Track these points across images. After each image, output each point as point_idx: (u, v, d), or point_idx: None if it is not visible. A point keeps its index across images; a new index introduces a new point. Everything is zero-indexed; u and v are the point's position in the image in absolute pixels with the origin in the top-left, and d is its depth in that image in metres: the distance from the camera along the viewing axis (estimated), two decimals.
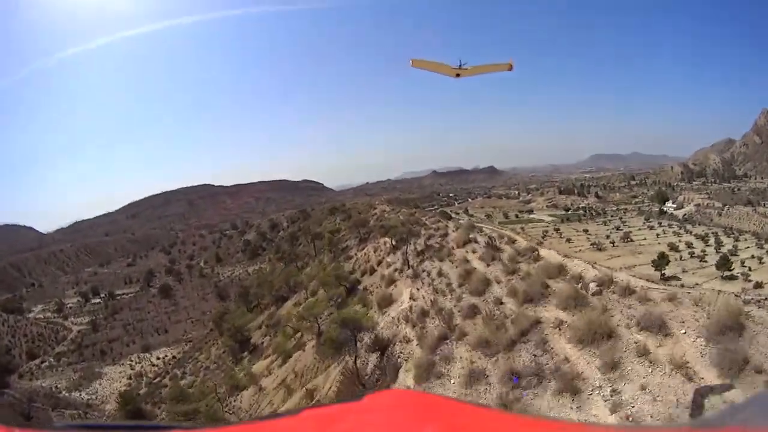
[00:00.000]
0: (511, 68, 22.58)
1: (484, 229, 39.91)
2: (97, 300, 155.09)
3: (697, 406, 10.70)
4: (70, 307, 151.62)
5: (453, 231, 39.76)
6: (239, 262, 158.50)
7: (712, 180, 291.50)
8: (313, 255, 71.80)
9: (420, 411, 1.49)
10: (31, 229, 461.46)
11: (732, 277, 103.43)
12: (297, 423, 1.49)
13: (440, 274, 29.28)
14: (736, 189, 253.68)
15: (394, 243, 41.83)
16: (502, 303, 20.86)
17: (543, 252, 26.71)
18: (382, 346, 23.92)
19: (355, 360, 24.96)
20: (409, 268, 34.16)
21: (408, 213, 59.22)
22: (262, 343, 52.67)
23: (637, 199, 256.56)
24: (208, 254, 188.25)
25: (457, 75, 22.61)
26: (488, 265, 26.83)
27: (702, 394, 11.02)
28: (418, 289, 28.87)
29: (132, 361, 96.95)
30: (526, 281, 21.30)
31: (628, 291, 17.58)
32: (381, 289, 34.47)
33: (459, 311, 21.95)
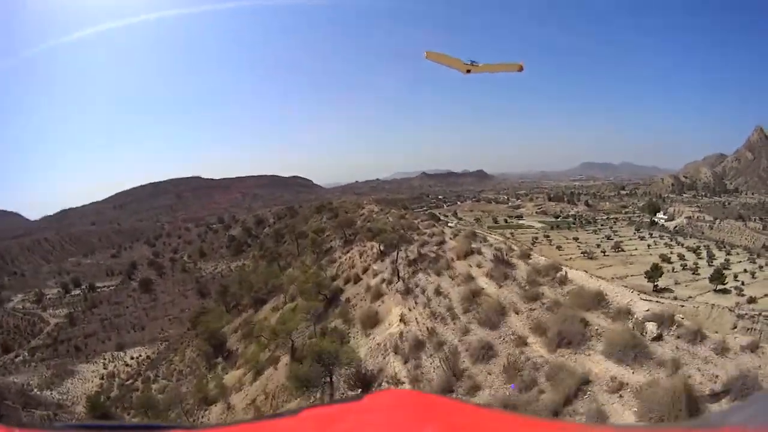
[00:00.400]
0: (521, 69, 21.15)
1: (489, 238, 34.62)
2: (77, 292, 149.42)
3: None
4: (50, 298, 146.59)
5: (451, 238, 34.51)
6: (223, 258, 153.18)
7: (703, 193, 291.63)
8: (296, 254, 67.18)
9: (420, 411, 1.48)
10: (18, 215, 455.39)
11: (725, 291, 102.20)
12: (297, 423, 1.48)
13: (438, 292, 23.70)
14: (726, 203, 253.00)
15: (382, 248, 36.37)
16: (526, 344, 15.77)
17: (571, 273, 21.89)
18: (364, 382, 18.76)
19: (332, 396, 20.02)
20: (399, 280, 28.73)
21: (398, 215, 54.11)
22: (237, 349, 47.98)
23: (627, 209, 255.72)
24: (192, 248, 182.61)
25: (468, 71, 20.90)
26: (500, 286, 21.67)
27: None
28: (410, 309, 23.73)
29: (105, 359, 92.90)
30: (555, 314, 16.23)
31: (699, 336, 12.67)
32: (366, 303, 29.16)
33: (466, 349, 16.87)
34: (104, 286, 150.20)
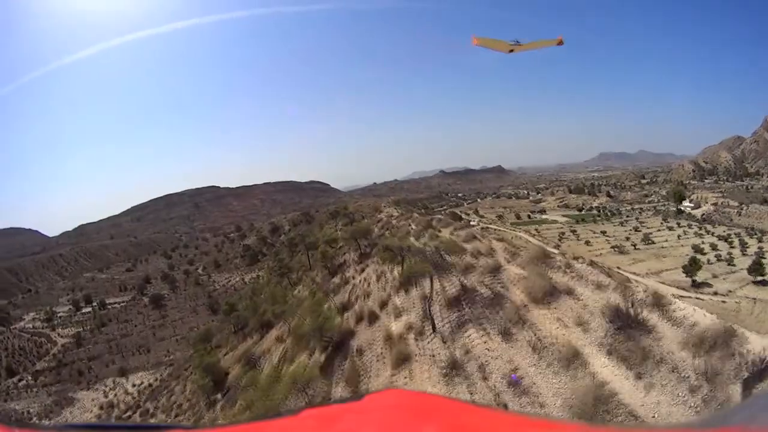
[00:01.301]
0: (561, 43, 25.31)
1: (576, 266, 19.60)
2: (89, 309, 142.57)
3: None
4: (61, 317, 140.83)
5: (508, 260, 22.65)
6: (237, 269, 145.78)
7: (725, 178, 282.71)
8: (308, 267, 58.95)
9: (420, 411, 1.47)
10: (36, 232, 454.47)
11: (765, 282, 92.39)
12: (297, 423, 1.47)
13: (512, 380, 13.17)
14: (749, 187, 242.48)
15: (403, 274, 25.02)
16: None
17: (752, 338, 11.60)
18: None
19: None
20: (434, 333, 18.16)
21: (423, 222, 42.59)
22: (237, 385, 39.97)
23: (650, 198, 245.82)
24: (207, 260, 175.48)
25: (511, 50, 24.92)
26: (639, 377, 11.20)
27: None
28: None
29: (107, 386, 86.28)
30: None
31: None
32: (384, 369, 18.42)
33: None
34: (115, 303, 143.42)
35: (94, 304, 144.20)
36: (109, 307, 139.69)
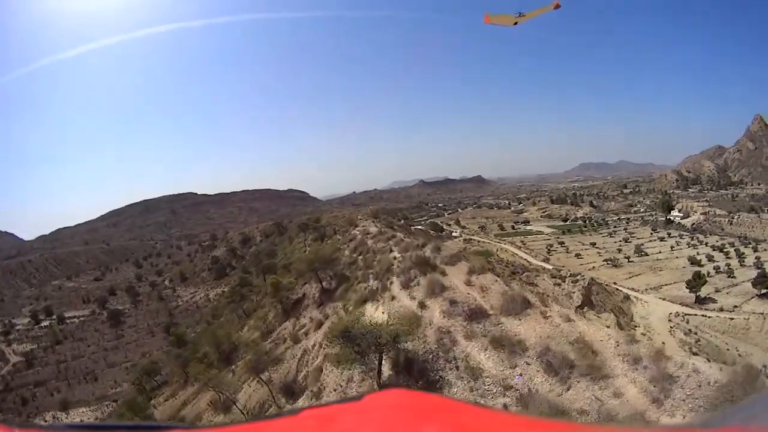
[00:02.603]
0: (558, 6, 26.05)
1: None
2: (48, 322, 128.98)
3: None
4: (19, 329, 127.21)
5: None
6: (204, 282, 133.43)
7: (708, 187, 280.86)
8: (263, 298, 47.35)
9: (420, 411, 1.47)
10: (11, 235, 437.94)
11: None
12: (297, 423, 1.47)
13: None
14: (734, 196, 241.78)
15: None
16: None
17: None
18: None
19: None
20: None
21: (416, 258, 25.91)
22: None
23: (635, 208, 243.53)
24: (176, 271, 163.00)
25: (515, 23, 26.22)
26: None
27: None
28: None
29: (46, 420, 72.52)
30: None
31: None
32: None
33: None
34: (75, 317, 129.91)
35: (54, 317, 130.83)
36: (68, 321, 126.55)
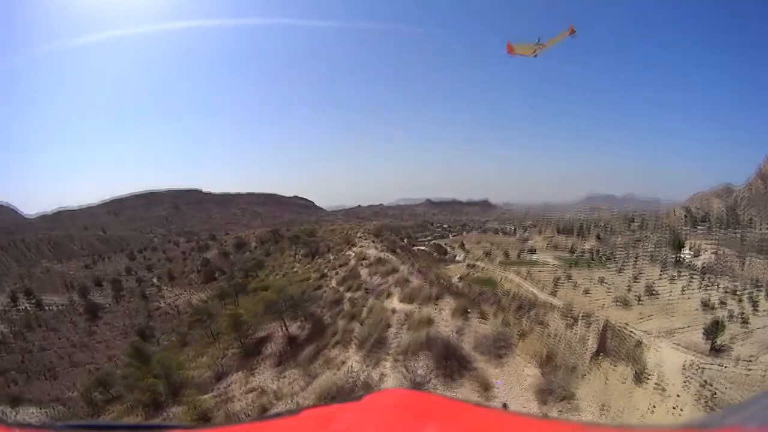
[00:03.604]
0: (573, 32, 25.81)
1: None
2: (26, 305, 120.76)
3: None
4: None
5: None
6: (191, 285, 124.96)
7: (717, 226, 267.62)
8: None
9: (420, 411, 1.44)
10: (12, 210, 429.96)
11: None
12: (297, 423, 1.45)
13: None
14: (744, 236, 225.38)
15: None
16: None
17: None
18: None
19: None
20: None
21: (427, 316, 17.76)
22: None
23: (643, 244, 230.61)
24: (166, 268, 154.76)
25: (534, 53, 26.06)
26: None
27: None
28: None
29: None
30: None
31: None
32: None
33: None
34: (53, 304, 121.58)
35: (33, 301, 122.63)
36: (46, 308, 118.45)
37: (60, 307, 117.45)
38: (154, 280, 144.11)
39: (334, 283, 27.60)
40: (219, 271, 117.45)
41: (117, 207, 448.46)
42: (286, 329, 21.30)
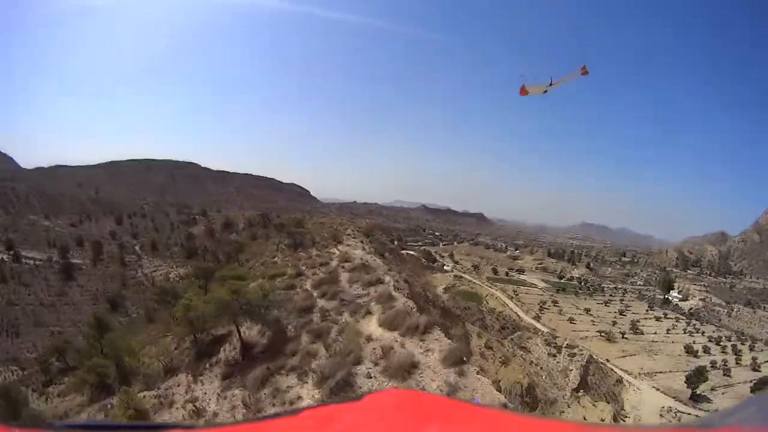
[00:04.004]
0: (586, 72, 25.02)
1: None
2: (2, 257, 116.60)
3: None
4: None
5: None
6: (172, 258, 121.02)
7: (708, 271, 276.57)
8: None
9: (420, 411, 1.45)
10: (9, 159, 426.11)
11: None
12: (297, 423, 1.46)
13: None
14: (733, 286, 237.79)
15: None
16: None
17: None
18: None
19: None
20: None
21: (406, 359, 13.65)
22: None
23: (632, 280, 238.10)
24: (150, 238, 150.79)
25: (545, 92, 26.26)
26: None
27: None
28: None
29: None
30: None
31: None
32: None
33: None
34: (31, 259, 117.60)
35: (12, 253, 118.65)
36: (24, 261, 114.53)
37: (37, 263, 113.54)
38: (137, 248, 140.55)
39: (309, 284, 24.13)
40: (202, 248, 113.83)
41: (114, 170, 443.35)
42: (240, 337, 17.92)
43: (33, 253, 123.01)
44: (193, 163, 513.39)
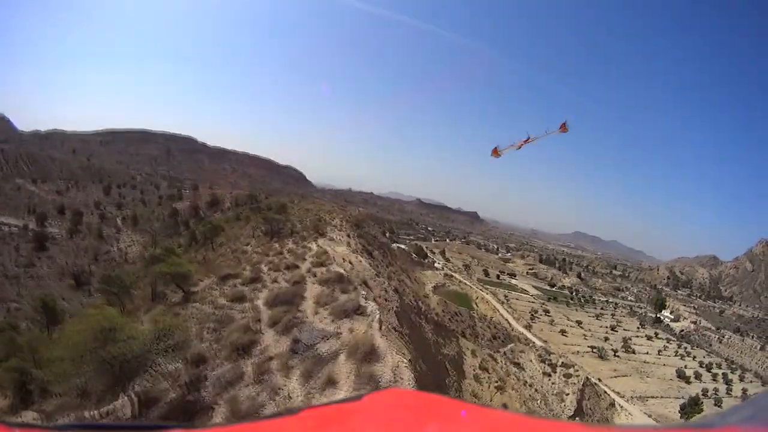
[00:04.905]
0: (565, 130, 25.87)
1: None
2: None
3: None
4: None
5: None
6: (150, 233, 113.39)
7: (698, 294, 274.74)
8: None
9: (420, 411, 1.44)
10: (7, 121, 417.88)
11: None
12: (297, 423, 1.45)
13: None
14: (722, 311, 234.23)
15: None
16: None
17: None
18: None
19: None
20: None
21: None
22: None
23: (622, 294, 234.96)
24: (132, 210, 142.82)
25: (519, 147, 26.93)
26: None
27: None
28: None
29: None
30: None
31: None
32: None
33: None
34: (5, 225, 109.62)
35: None
36: None
37: (12, 230, 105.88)
38: (118, 220, 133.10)
39: (262, 300, 17.60)
40: (184, 226, 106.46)
41: (110, 138, 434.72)
42: (132, 402, 10.96)
43: (10, 219, 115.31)
44: (190, 138, 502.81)
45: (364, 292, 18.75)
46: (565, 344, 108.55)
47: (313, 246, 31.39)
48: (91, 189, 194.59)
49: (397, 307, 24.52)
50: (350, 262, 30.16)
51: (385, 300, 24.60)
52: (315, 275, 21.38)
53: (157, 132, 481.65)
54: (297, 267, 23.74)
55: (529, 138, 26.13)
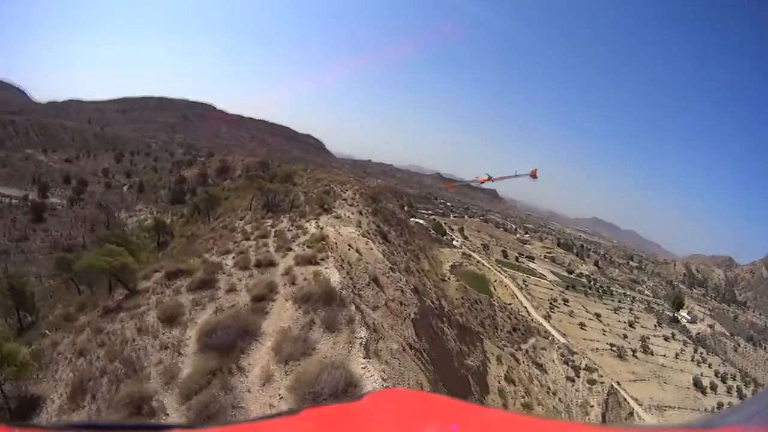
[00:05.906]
0: (534, 177, 26.04)
1: None
2: None
3: None
4: None
5: None
6: (156, 203, 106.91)
7: (713, 294, 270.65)
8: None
9: (420, 411, 1.44)
10: (22, 93, 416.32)
11: None
12: (297, 423, 1.42)
13: None
14: (736, 316, 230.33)
15: None
16: None
17: None
18: None
19: None
20: None
21: None
22: None
23: (639, 287, 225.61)
24: (140, 179, 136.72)
25: (483, 182, 28.73)
26: None
27: None
28: None
29: None
30: None
31: None
32: None
33: None
34: (7, 196, 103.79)
35: None
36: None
37: (12, 201, 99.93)
38: (125, 189, 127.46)
39: (197, 327, 11.35)
40: (190, 194, 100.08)
41: (126, 106, 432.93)
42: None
43: (12, 190, 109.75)
44: (208, 104, 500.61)
45: (363, 335, 11.87)
46: (584, 339, 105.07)
47: (311, 226, 25.35)
48: (103, 157, 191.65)
49: (415, 313, 21.73)
50: (358, 251, 24.06)
51: (401, 304, 21.60)
52: (294, 282, 14.93)
53: (174, 98, 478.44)
54: (273, 265, 17.48)
55: (490, 178, 27.48)
